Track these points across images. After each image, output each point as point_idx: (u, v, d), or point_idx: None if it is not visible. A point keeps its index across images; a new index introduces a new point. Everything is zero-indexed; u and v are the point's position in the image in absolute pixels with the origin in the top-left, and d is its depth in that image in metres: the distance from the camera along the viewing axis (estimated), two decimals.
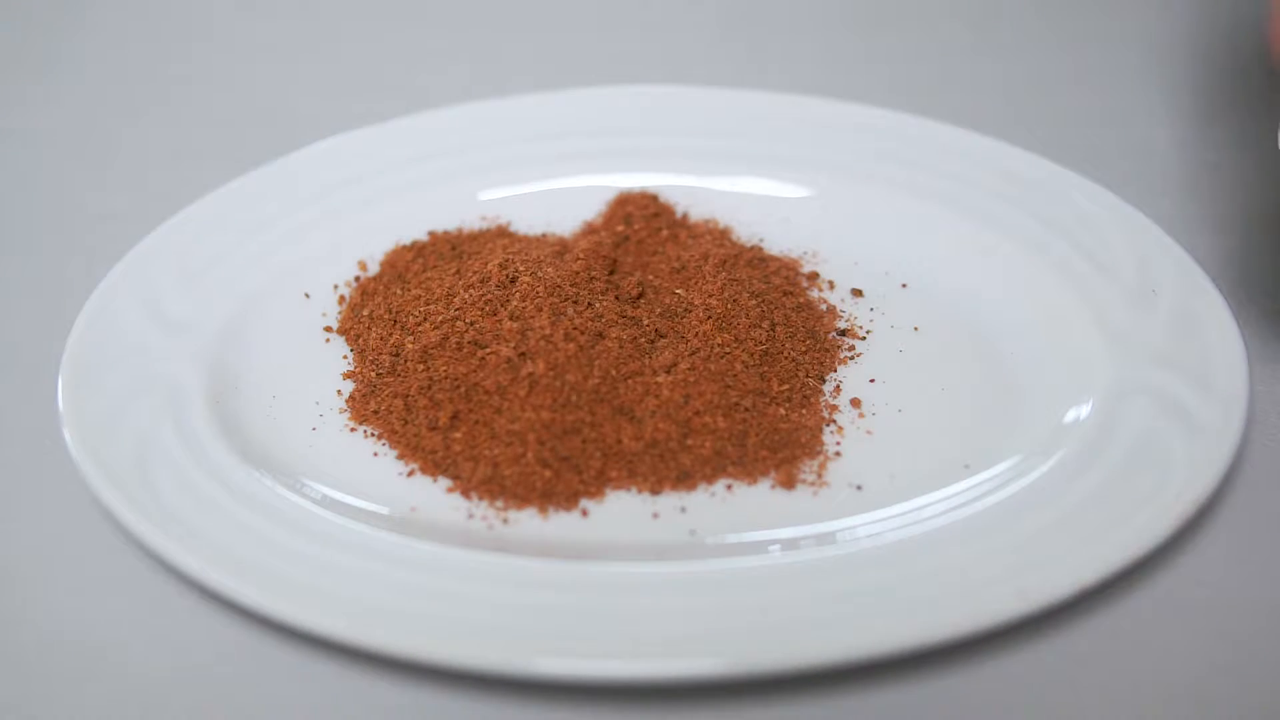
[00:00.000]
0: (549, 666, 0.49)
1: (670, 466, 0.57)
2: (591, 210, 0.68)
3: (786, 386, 0.59)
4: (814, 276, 0.65)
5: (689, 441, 0.57)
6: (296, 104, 0.78)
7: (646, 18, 0.85)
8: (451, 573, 0.52)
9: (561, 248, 0.65)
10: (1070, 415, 0.58)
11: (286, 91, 0.79)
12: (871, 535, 0.54)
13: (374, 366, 0.61)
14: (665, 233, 0.66)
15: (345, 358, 0.62)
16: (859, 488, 0.56)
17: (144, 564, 0.55)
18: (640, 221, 0.66)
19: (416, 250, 0.66)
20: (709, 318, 0.60)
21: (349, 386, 0.61)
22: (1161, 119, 0.75)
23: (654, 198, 0.68)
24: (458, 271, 0.63)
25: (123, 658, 0.53)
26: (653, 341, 0.60)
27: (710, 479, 0.57)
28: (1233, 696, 0.51)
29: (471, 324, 0.60)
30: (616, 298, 0.62)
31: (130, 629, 0.54)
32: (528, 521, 0.56)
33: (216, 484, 0.55)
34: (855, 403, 0.60)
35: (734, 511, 0.56)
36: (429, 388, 0.59)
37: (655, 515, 0.56)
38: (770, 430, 0.58)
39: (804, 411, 0.59)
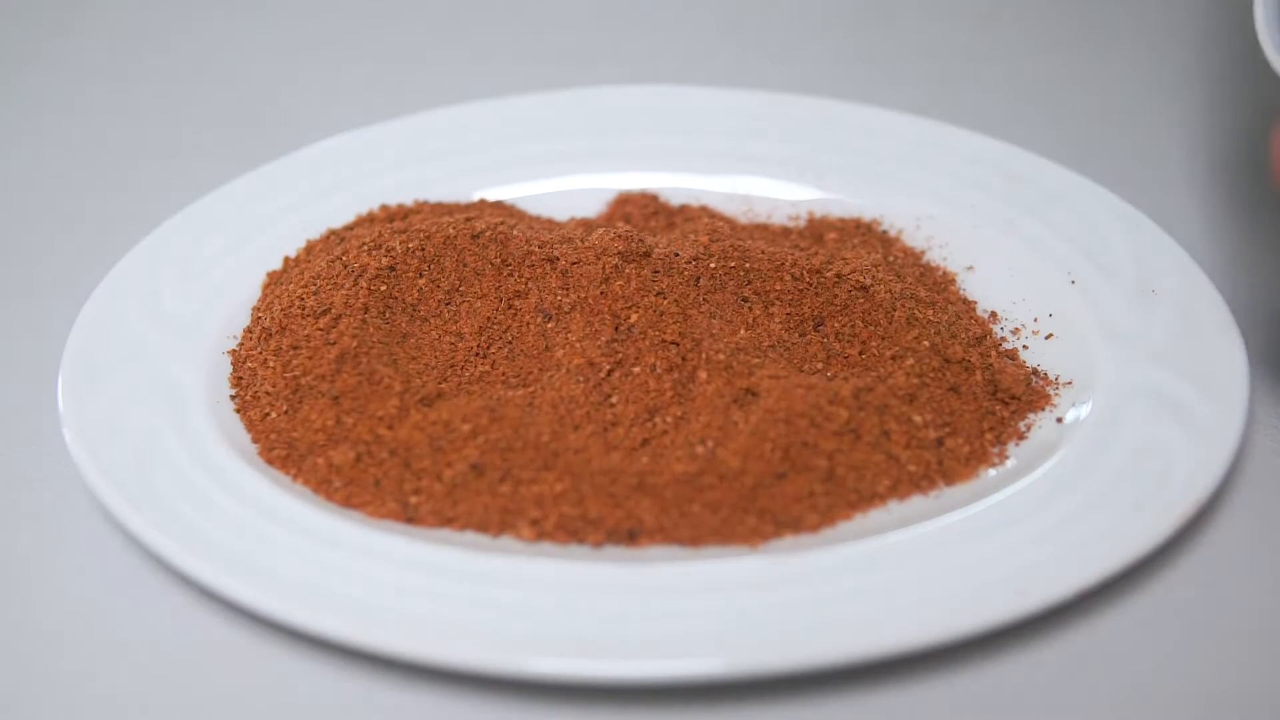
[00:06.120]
0: (548, 667, 0.49)
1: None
2: (591, 210, 0.68)
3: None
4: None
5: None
6: (296, 104, 0.78)
7: (646, 18, 0.85)
8: (451, 573, 0.52)
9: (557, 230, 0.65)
10: (1070, 415, 0.58)
11: (286, 91, 0.79)
12: (871, 536, 0.54)
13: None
14: (662, 222, 0.66)
15: None
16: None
17: (144, 564, 0.55)
18: (640, 221, 0.66)
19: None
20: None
21: None
22: (1161, 119, 0.75)
23: (654, 198, 0.67)
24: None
25: (123, 658, 0.53)
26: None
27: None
28: (1233, 696, 0.51)
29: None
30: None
31: (130, 629, 0.54)
32: None
33: (216, 484, 0.55)
34: None
35: None
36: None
37: None
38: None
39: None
